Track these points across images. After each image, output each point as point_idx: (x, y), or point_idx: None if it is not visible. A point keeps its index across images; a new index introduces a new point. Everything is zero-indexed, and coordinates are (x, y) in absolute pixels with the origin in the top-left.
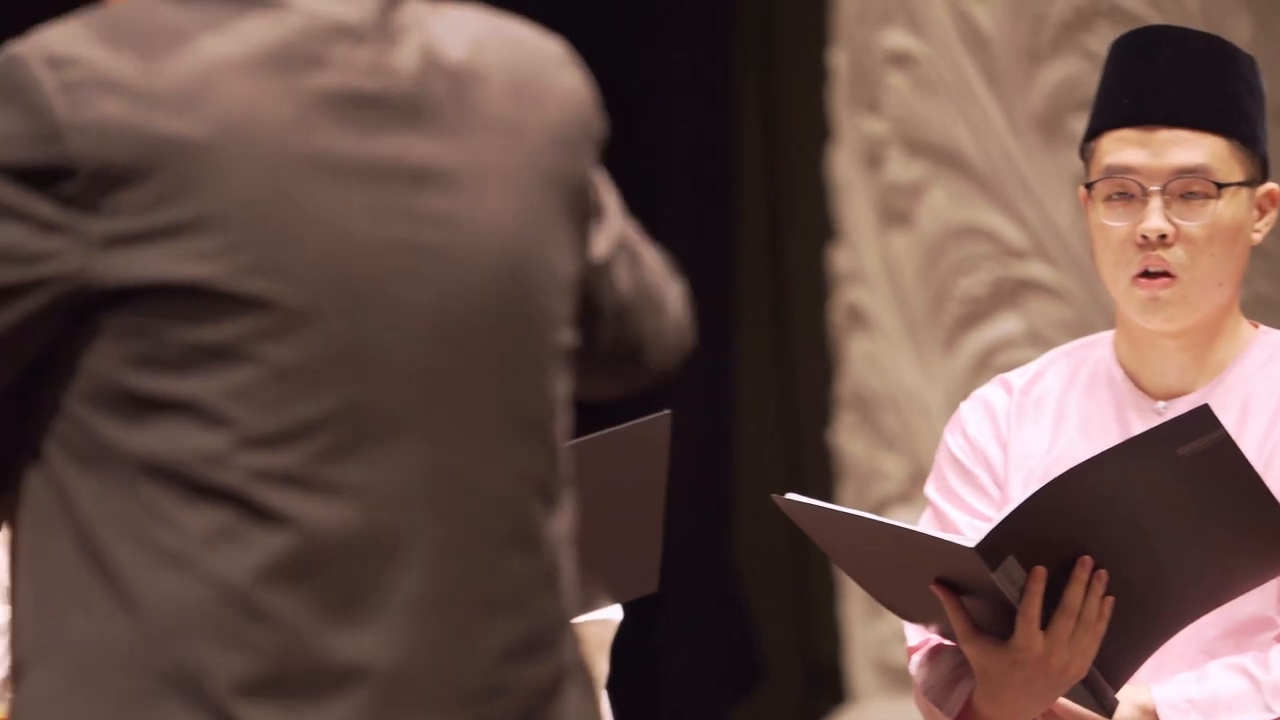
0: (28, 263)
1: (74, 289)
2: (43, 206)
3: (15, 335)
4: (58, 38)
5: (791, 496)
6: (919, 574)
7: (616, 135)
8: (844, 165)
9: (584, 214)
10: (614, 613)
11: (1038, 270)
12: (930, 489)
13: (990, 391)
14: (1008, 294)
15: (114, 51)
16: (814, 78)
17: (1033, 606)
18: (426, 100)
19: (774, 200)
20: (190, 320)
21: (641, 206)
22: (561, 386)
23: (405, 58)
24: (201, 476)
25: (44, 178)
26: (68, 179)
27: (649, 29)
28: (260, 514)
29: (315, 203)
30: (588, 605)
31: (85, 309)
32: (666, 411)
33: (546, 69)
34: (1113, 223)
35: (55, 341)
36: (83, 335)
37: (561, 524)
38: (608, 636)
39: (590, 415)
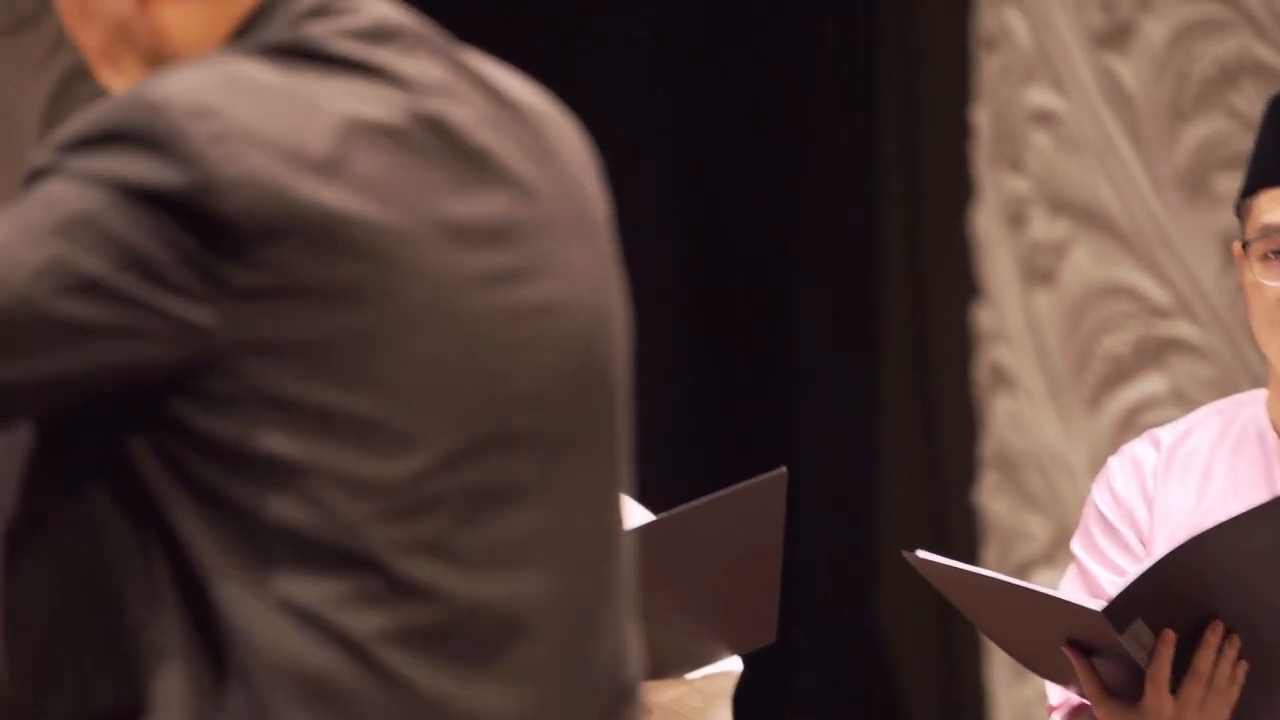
0: (161, 305)
1: (206, 338)
2: (185, 254)
3: (129, 373)
4: (193, 88)
5: (924, 555)
6: (1050, 634)
7: (758, 193)
8: (987, 224)
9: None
10: (734, 664)
11: (1182, 329)
12: (1076, 544)
13: (1138, 447)
14: (1152, 353)
15: (252, 107)
16: (956, 136)
17: (1161, 670)
18: (521, 154)
19: (917, 258)
20: (322, 384)
21: (782, 263)
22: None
23: (495, 113)
24: (331, 542)
25: (189, 226)
26: (212, 230)
27: (791, 86)
28: (392, 580)
29: (442, 270)
30: (708, 658)
31: (215, 361)
32: (782, 470)
33: (576, 131)
34: (1268, 281)
35: (173, 389)
36: (205, 389)
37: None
38: (728, 688)
39: (710, 474)
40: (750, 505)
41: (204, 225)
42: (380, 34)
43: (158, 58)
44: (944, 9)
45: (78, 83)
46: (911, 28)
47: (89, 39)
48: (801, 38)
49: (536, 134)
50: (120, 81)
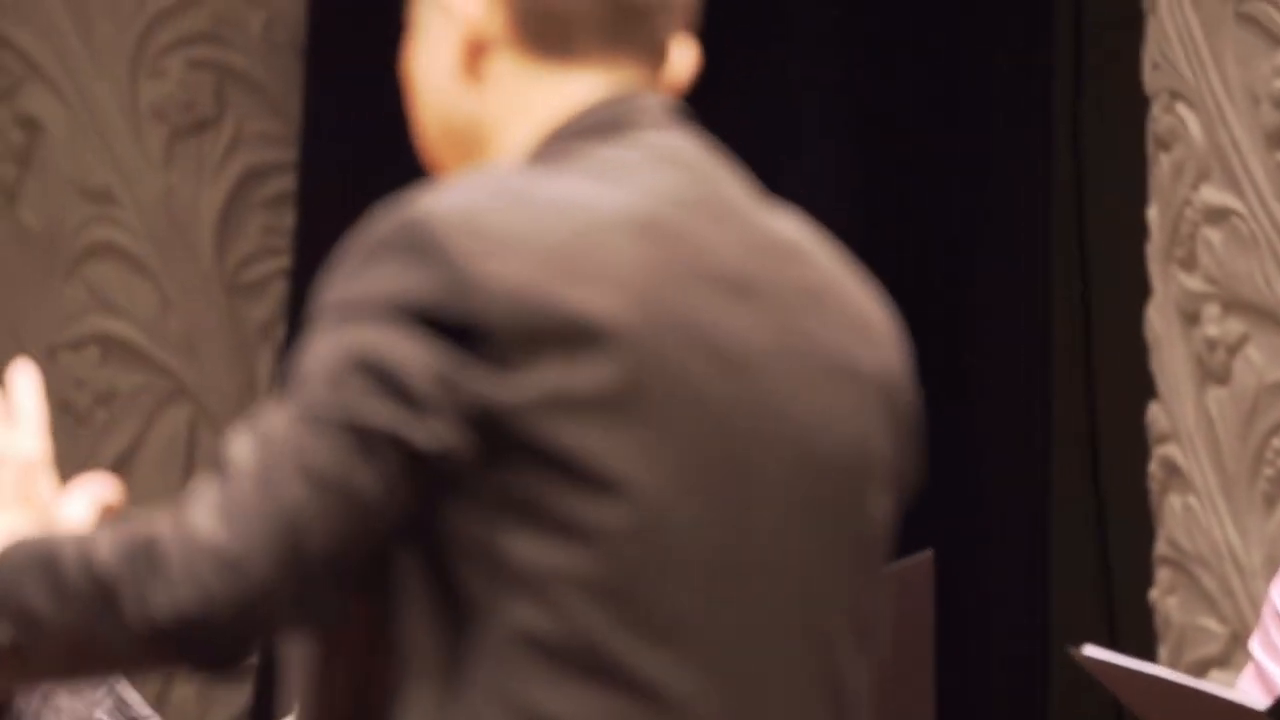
0: (425, 411)
1: (471, 449)
2: (448, 362)
3: (398, 483)
4: (454, 201)
5: (1094, 651)
6: None
7: (932, 296)
8: (1160, 322)
9: (902, 427)
10: None
11: None
12: (1254, 644)
13: None
14: None
15: (514, 217)
16: (1130, 235)
17: None
18: (775, 278)
19: (1090, 356)
20: (574, 493)
21: (957, 362)
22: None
23: (758, 243)
24: (577, 653)
25: (452, 335)
26: (476, 339)
27: (965, 187)
28: (629, 682)
29: (693, 383)
30: None
31: (476, 469)
32: (928, 552)
33: (859, 277)
34: None
35: (429, 496)
36: (460, 494)
37: None
38: None
39: None
40: (897, 589)
41: (466, 336)
42: (658, 156)
43: (476, 156)
44: (1117, 109)
45: (254, 185)
46: (1084, 128)
47: (423, 124)
48: (975, 140)
49: (800, 271)
50: (445, 170)
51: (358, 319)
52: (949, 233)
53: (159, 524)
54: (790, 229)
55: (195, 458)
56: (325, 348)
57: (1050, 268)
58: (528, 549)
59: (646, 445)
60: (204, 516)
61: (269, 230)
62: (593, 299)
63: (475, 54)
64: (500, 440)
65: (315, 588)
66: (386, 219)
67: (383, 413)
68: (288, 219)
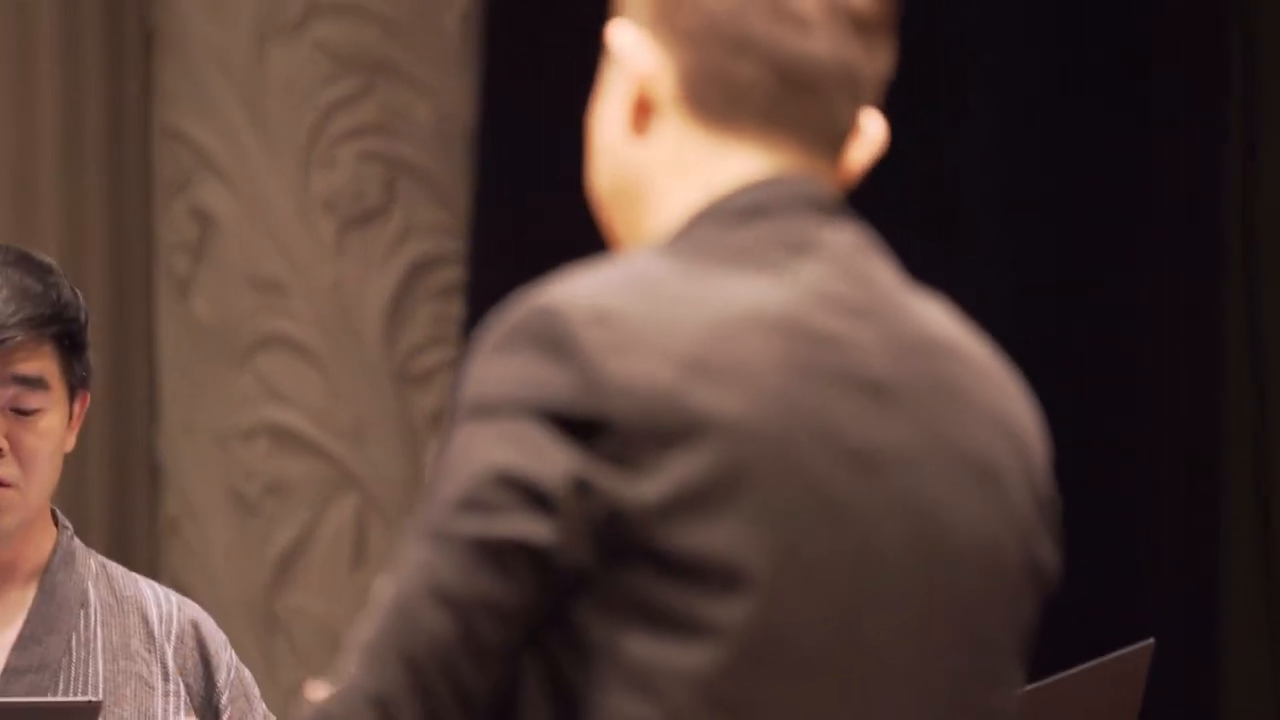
0: (556, 517)
1: (592, 548)
2: (578, 463)
3: (531, 591)
4: (589, 293)
5: None
6: None
7: (1097, 349)
8: None
9: (1041, 524)
10: None
11: None
12: None
13: None
14: None
15: (648, 311)
16: None
17: None
18: (914, 376)
19: (1260, 419)
20: (694, 591)
21: (1122, 419)
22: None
23: (899, 341)
24: None
25: (580, 431)
26: (605, 436)
27: (1130, 214)
28: None
29: (825, 484)
30: None
31: (600, 566)
32: (1150, 641)
33: (1005, 371)
34: None
35: (555, 598)
36: (582, 592)
37: None
38: None
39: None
40: (1111, 679)
41: (596, 435)
42: (803, 247)
43: (637, 214)
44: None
45: (423, 275)
46: (1251, 156)
47: (595, 179)
48: (1143, 179)
49: (942, 368)
50: (618, 240)
51: (490, 420)
52: (1107, 276)
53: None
54: (936, 321)
55: (364, 547)
56: (458, 458)
57: (1223, 327)
58: (643, 646)
59: (770, 545)
60: (353, 662)
61: (437, 320)
62: (722, 398)
63: (644, 111)
64: (625, 539)
65: (460, 708)
66: (521, 308)
67: (515, 524)
68: (456, 309)
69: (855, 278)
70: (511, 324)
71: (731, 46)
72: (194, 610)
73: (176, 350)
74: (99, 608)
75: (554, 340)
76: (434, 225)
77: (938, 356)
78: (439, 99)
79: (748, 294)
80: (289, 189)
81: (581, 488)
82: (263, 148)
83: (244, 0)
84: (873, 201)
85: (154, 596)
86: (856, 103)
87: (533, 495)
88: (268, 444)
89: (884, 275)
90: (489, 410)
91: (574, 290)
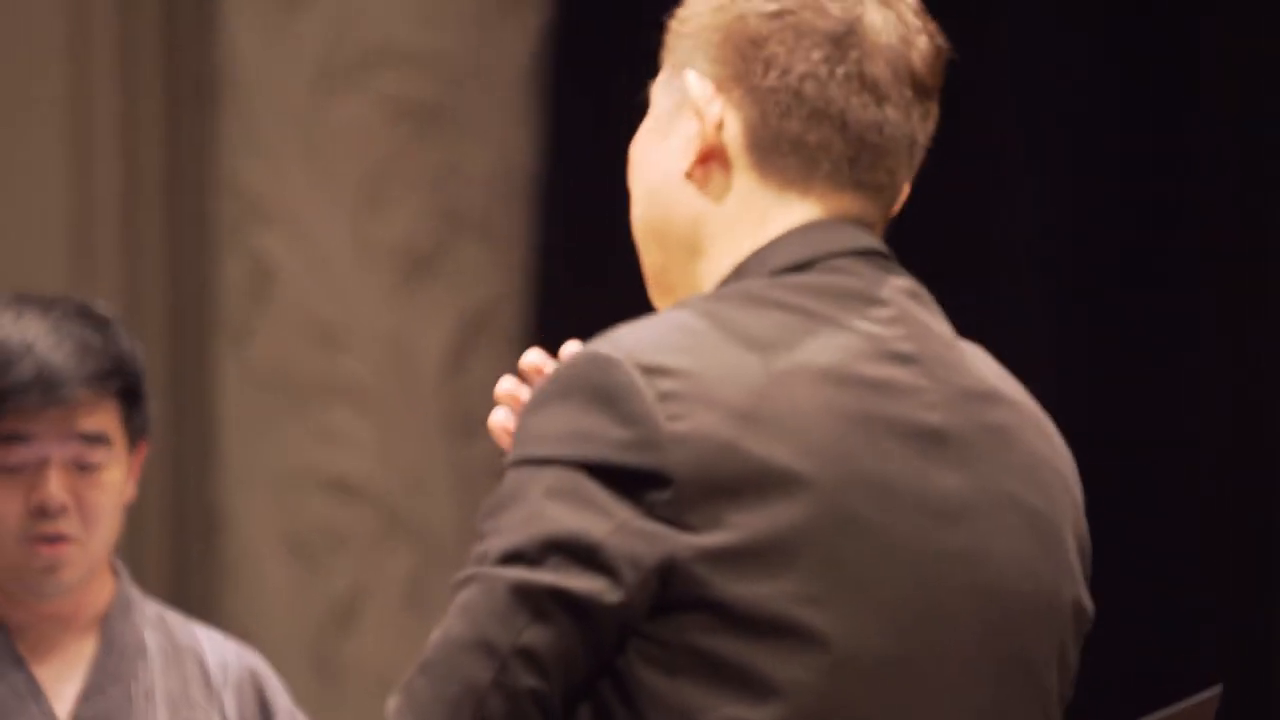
0: (607, 570)
1: (648, 600)
2: (632, 516)
3: (580, 642)
4: (646, 344)
5: None
6: None
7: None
8: None
9: (1083, 568)
10: None
11: None
12: None
13: None
14: None
15: (702, 362)
16: None
17: None
18: (966, 424)
19: None
20: (756, 644)
21: (1172, 476)
22: None
23: (949, 390)
24: None
25: (634, 483)
26: (662, 488)
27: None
28: None
29: (883, 533)
30: None
31: (651, 620)
32: (1219, 688)
33: (1044, 417)
34: None
35: (611, 650)
36: (642, 646)
37: None
38: None
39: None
40: None
41: (652, 487)
42: (855, 296)
43: (686, 260)
44: None
45: (480, 325)
46: None
47: (641, 212)
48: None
49: (992, 416)
50: (644, 247)
51: (542, 470)
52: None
53: None
54: (984, 369)
55: (420, 595)
56: (509, 507)
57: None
58: (703, 699)
59: (830, 596)
60: (394, 705)
61: (495, 370)
62: (777, 450)
63: (708, 159)
64: (683, 591)
65: None
66: (577, 359)
67: (557, 574)
68: (513, 359)
69: (909, 327)
70: (567, 375)
71: (811, 113)
72: (252, 658)
73: (234, 399)
74: (158, 656)
75: (608, 392)
76: (493, 275)
77: (989, 404)
78: (499, 148)
79: (803, 344)
80: (347, 237)
81: (633, 540)
82: (321, 196)
83: (303, 48)
84: (917, 249)
85: (212, 644)
86: (913, 167)
87: (579, 548)
88: (325, 492)
89: (937, 325)
90: (541, 460)
91: (629, 342)
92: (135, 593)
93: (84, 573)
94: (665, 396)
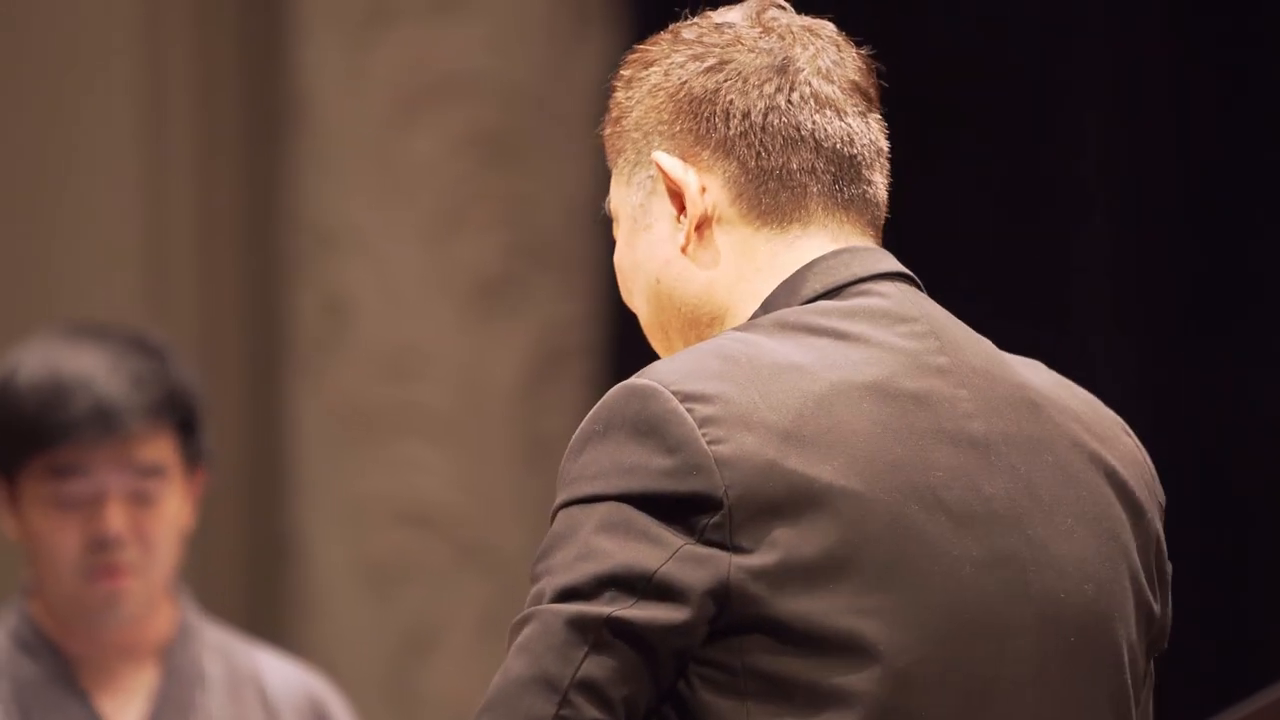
0: (662, 598)
1: (706, 623)
2: (683, 539)
3: (639, 671)
4: (683, 373)
5: None
6: None
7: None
8: None
9: (1151, 572)
10: None
11: None
12: None
13: None
14: None
15: (738, 387)
16: None
17: None
18: (1012, 431)
19: None
20: (815, 659)
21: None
22: None
23: (992, 386)
24: None
25: (686, 510)
26: (710, 512)
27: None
28: None
29: (934, 543)
30: None
31: (710, 642)
32: None
33: (1112, 422)
34: None
35: (672, 675)
36: (702, 668)
37: None
38: None
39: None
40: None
41: (700, 513)
42: (884, 314)
43: (709, 330)
44: None
45: (556, 355)
46: None
47: (652, 310)
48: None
49: (1041, 421)
50: (667, 345)
51: (592, 507)
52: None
53: None
54: (1032, 377)
55: (494, 627)
56: (561, 546)
57: None
58: (771, 717)
59: (886, 607)
60: None
61: (569, 400)
62: (821, 467)
63: (701, 227)
64: (741, 613)
65: None
66: (616, 392)
67: (613, 608)
68: (588, 388)
69: (942, 340)
70: (606, 412)
71: (785, 142)
72: (315, 683)
73: (309, 429)
74: (217, 685)
75: (649, 423)
76: (566, 303)
77: (1030, 411)
78: (571, 176)
79: (840, 363)
80: (421, 267)
81: (687, 566)
82: (395, 226)
83: (377, 80)
84: (989, 292)
85: (272, 669)
86: (886, 173)
87: (634, 580)
88: (399, 522)
89: (968, 336)
90: (589, 499)
91: (665, 372)
92: (196, 620)
93: (143, 603)
94: (706, 421)
